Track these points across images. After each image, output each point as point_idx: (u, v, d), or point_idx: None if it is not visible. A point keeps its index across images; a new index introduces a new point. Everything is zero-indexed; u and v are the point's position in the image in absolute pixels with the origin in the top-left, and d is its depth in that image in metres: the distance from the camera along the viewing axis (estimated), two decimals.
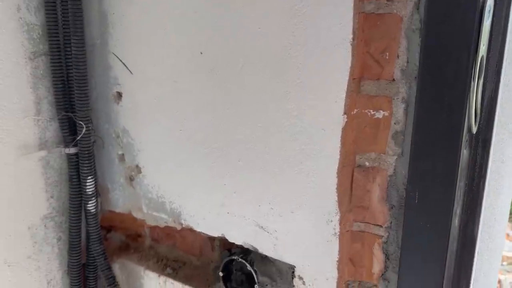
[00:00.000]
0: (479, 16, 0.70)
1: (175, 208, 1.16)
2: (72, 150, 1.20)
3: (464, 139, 0.76)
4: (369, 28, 0.81)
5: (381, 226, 0.90)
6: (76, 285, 1.29)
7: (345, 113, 0.83)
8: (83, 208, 1.25)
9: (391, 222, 0.89)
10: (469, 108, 0.75)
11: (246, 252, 1.11)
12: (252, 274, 1.08)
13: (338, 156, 0.86)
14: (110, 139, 1.25)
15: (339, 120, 0.84)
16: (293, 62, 0.87)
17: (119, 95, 1.19)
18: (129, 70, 1.15)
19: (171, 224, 1.19)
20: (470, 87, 0.74)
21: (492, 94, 0.79)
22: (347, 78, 0.81)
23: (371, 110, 0.84)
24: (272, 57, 0.89)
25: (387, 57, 0.81)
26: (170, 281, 1.22)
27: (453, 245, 0.82)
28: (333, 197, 0.89)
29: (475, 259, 0.87)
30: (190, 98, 1.05)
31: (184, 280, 1.21)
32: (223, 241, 1.19)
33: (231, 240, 1.08)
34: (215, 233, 1.10)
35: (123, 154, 1.24)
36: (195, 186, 1.10)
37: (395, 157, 0.85)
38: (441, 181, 0.78)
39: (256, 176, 0.99)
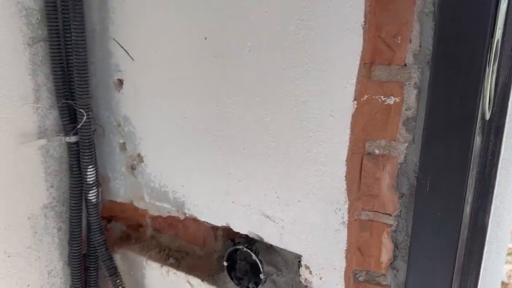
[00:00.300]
0: None
1: (178, 197, 1.14)
2: (73, 139, 1.18)
3: (477, 125, 0.75)
4: (380, 11, 0.79)
5: (390, 215, 0.88)
6: (77, 276, 1.28)
7: (355, 99, 0.81)
8: (84, 197, 1.23)
9: (400, 211, 0.87)
10: (483, 94, 0.73)
11: (250, 242, 1.10)
12: (257, 264, 1.06)
13: (347, 143, 0.84)
14: (111, 127, 1.22)
15: (349, 106, 0.82)
16: (301, 47, 0.84)
17: (120, 82, 1.16)
18: (130, 57, 1.12)
19: (174, 214, 1.17)
20: (485, 72, 0.72)
21: (506, 80, 0.77)
22: (358, 63, 0.79)
23: (382, 96, 0.82)
24: (279, 42, 0.87)
25: (399, 42, 0.79)
26: (173, 271, 1.21)
27: (464, 233, 0.81)
28: (342, 185, 0.87)
29: (485, 248, 0.86)
30: (193, 85, 1.03)
31: (187, 270, 1.19)
32: (226, 231, 1.17)
33: (236, 229, 1.06)
34: (220, 223, 1.09)
35: (124, 143, 1.22)
36: (199, 175, 1.08)
37: (406, 144, 0.83)
38: (453, 168, 0.77)
39: (261, 164, 0.97)
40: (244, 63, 0.93)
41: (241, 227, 1.05)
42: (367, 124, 0.85)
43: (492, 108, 0.77)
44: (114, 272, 1.26)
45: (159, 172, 1.17)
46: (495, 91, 0.76)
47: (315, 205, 0.92)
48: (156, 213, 1.23)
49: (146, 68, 1.10)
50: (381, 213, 0.89)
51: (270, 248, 1.08)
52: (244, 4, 0.90)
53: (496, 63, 0.73)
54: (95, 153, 1.20)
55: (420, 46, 0.78)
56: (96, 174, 1.21)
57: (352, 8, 0.77)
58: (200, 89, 1.02)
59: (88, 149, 1.18)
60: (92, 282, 1.31)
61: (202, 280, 1.16)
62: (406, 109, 0.81)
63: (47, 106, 1.16)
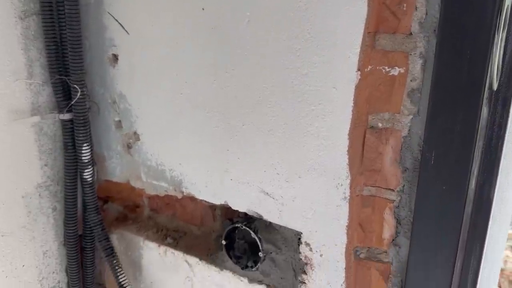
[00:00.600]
0: None
1: (175, 175, 1.12)
2: (67, 116, 1.15)
3: (485, 95, 0.73)
4: None
5: (393, 190, 0.86)
6: (73, 256, 1.26)
7: (358, 70, 0.79)
8: (79, 176, 1.20)
9: (403, 186, 0.85)
10: (492, 63, 0.71)
11: (249, 220, 1.08)
12: (256, 242, 1.05)
13: (350, 116, 0.82)
14: (106, 104, 1.19)
15: (352, 77, 0.79)
16: (303, 16, 0.81)
17: (115, 57, 1.13)
18: (126, 31, 1.08)
19: (172, 193, 1.15)
20: (493, 40, 0.70)
21: None
22: (362, 32, 0.76)
23: (386, 67, 0.80)
24: (280, 11, 0.84)
25: (404, 9, 0.76)
26: (170, 250, 1.19)
27: (468, 207, 0.79)
28: (344, 159, 0.85)
29: (490, 223, 0.84)
30: (190, 59, 1.00)
31: (185, 250, 1.18)
32: (224, 210, 1.15)
33: (234, 207, 1.04)
34: (218, 201, 1.06)
35: (120, 121, 1.19)
36: (196, 153, 1.06)
37: (410, 116, 0.81)
38: (459, 140, 0.75)
39: (261, 140, 0.95)
40: (242, 35, 0.90)
41: (239, 205, 1.03)
42: (370, 96, 0.83)
43: (500, 78, 0.75)
44: (110, 252, 1.24)
45: (156, 150, 1.14)
46: (503, 60, 0.73)
47: (316, 180, 0.90)
48: (153, 193, 1.20)
49: (141, 42, 1.07)
50: (383, 188, 0.87)
51: (269, 226, 1.06)
52: None
53: (505, 31, 0.71)
54: (90, 131, 1.17)
55: (426, 13, 0.75)
56: (91, 153, 1.19)
57: None
58: (197, 63, 0.99)
59: (82, 126, 1.15)
60: (88, 263, 1.29)
61: (200, 259, 1.14)
62: (411, 80, 0.79)
63: (40, 82, 1.13)
